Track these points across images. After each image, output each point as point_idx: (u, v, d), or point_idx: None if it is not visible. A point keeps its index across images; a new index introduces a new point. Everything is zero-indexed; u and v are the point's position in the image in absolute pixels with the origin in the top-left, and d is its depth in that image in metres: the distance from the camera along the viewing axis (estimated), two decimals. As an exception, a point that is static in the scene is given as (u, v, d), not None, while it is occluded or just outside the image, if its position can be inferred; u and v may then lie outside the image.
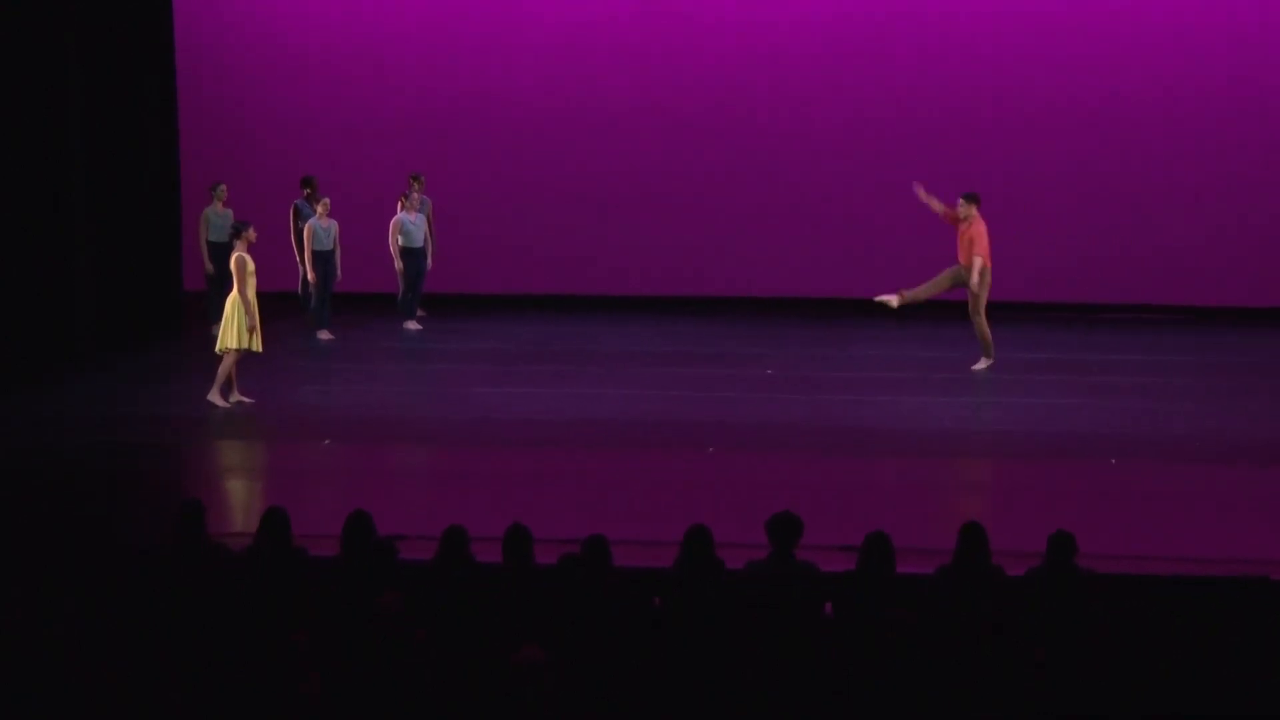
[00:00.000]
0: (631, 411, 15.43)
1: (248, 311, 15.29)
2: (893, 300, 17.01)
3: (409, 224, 19.41)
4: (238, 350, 15.37)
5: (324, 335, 18.92)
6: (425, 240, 19.57)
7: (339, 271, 19.07)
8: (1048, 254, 20.20)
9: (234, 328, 15.31)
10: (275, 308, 19.17)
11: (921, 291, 17.04)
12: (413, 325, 19.60)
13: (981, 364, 16.95)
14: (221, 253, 17.90)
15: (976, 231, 16.81)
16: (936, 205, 17.01)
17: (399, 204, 19.52)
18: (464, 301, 20.73)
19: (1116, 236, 20.18)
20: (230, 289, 15.46)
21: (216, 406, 15.45)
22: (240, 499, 13.42)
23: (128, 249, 18.76)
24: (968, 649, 8.26)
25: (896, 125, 20.38)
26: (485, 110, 20.87)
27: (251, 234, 15.58)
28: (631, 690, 7.83)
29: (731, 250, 20.69)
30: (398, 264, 19.44)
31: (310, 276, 18.97)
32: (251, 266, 15.39)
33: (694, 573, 9.22)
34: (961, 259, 16.93)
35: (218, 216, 19.10)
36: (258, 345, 15.45)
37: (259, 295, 15.56)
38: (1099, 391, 16.17)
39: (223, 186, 19.38)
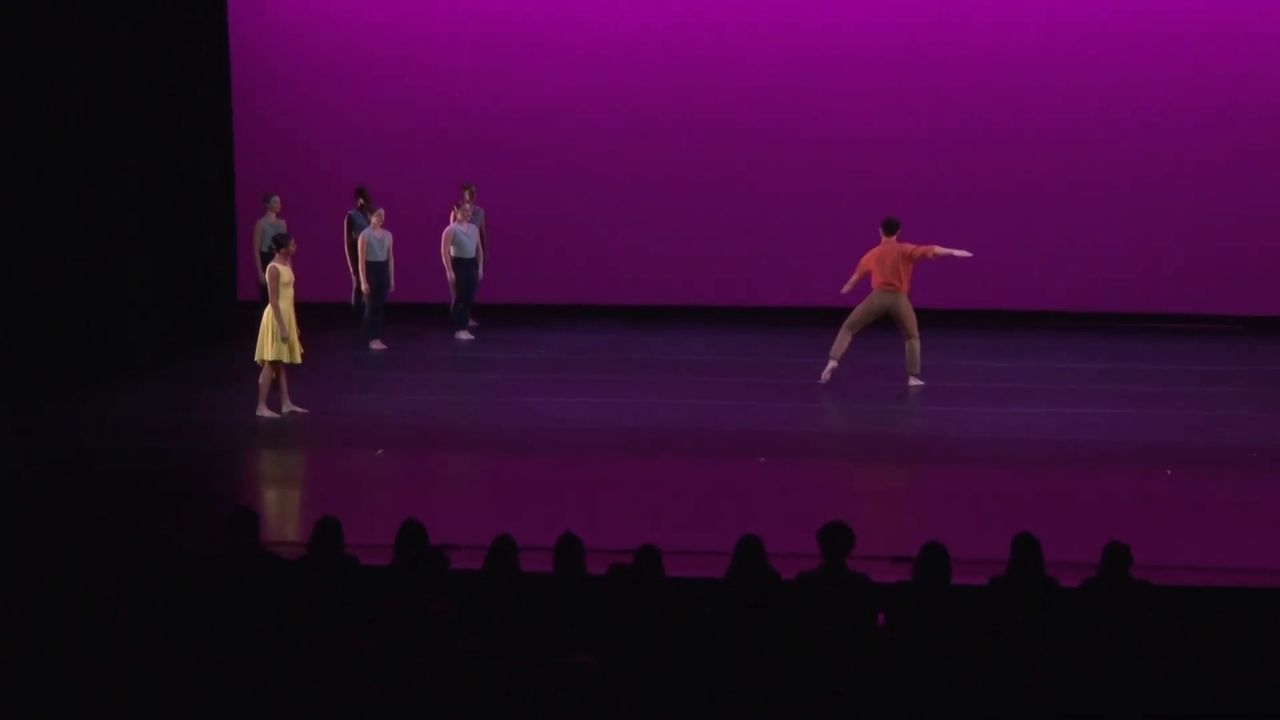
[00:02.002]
0: (682, 421, 15.42)
1: (280, 323, 15.35)
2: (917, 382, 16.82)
3: (461, 234, 19.43)
4: (273, 362, 15.43)
5: (377, 345, 18.95)
6: (477, 250, 19.58)
7: (392, 282, 19.12)
8: (1101, 264, 20.09)
9: (270, 339, 15.38)
10: (328, 318, 19.30)
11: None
12: (465, 335, 19.61)
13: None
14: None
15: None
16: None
17: (451, 214, 19.55)
18: (516, 311, 20.72)
19: (1172, 247, 20.04)
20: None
21: (265, 418, 15.51)
22: (292, 508, 13.47)
23: (183, 259, 18.84)
24: (1021, 660, 8.20)
25: (945, 138, 20.31)
26: (537, 120, 20.87)
27: (292, 246, 15.71)
28: (683, 701, 7.79)
29: (782, 260, 20.63)
30: (450, 274, 19.44)
31: (364, 287, 19.00)
32: (286, 278, 15.45)
33: (746, 583, 9.19)
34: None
35: (271, 227, 19.12)
36: (290, 356, 15.47)
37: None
38: (1153, 401, 16.08)
39: (276, 198, 19.41)
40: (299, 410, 15.68)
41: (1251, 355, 18.44)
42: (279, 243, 15.88)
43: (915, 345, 16.67)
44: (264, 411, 15.53)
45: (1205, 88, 19.88)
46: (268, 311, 15.46)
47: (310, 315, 17.96)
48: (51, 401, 16.08)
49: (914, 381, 16.70)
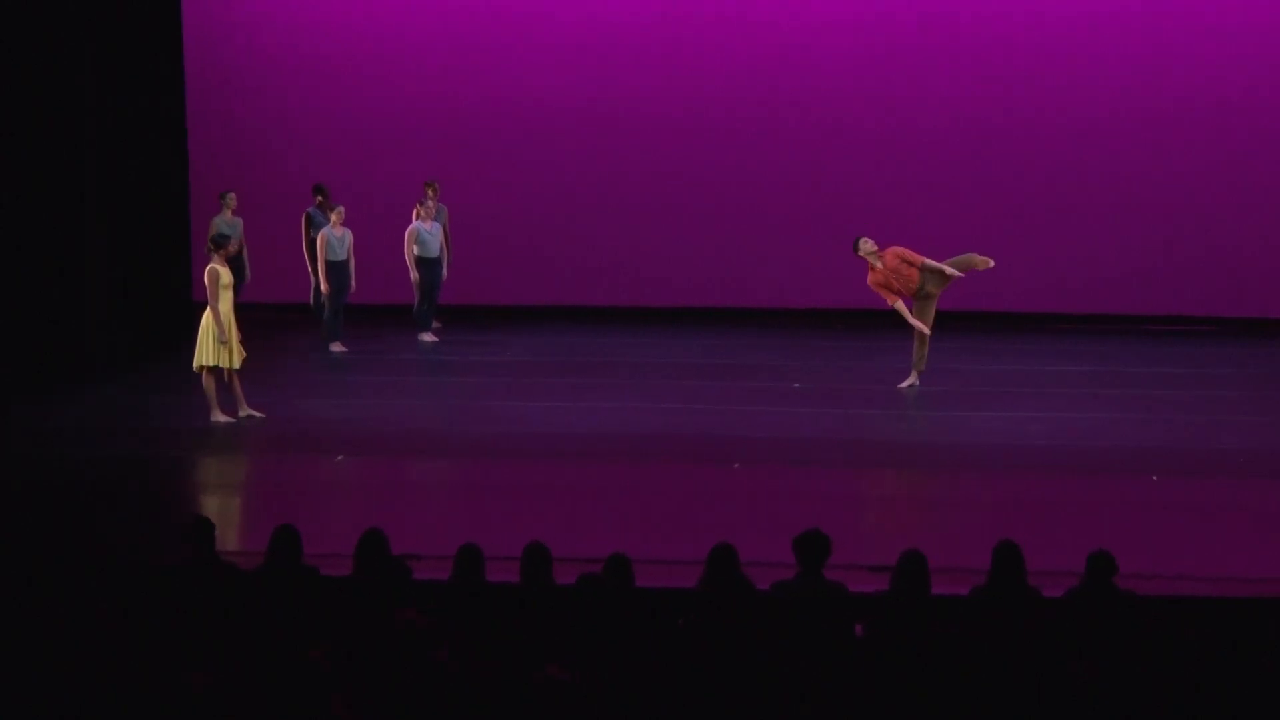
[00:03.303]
0: (653, 426, 15.30)
1: (219, 326, 15.09)
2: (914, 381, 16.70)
3: (424, 233, 19.25)
4: (212, 368, 15.18)
5: (337, 347, 18.76)
6: (441, 249, 19.41)
7: (353, 282, 18.90)
8: (1090, 265, 20.12)
9: (208, 344, 15.15)
10: (287, 319, 19.16)
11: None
12: (429, 337, 19.45)
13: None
14: (229, 263, 17.71)
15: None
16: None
17: (414, 212, 19.36)
18: (481, 312, 20.60)
19: (1161, 247, 20.04)
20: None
21: (220, 424, 15.25)
22: (249, 516, 13.31)
23: (138, 259, 18.63)
24: (1003, 673, 8.05)
25: (932, 136, 20.28)
26: (503, 117, 20.75)
27: (232, 247, 15.66)
28: (655, 714, 7.67)
29: (757, 261, 20.57)
30: (413, 274, 19.28)
31: (323, 287, 18.81)
32: (226, 280, 15.26)
33: (719, 593, 9.07)
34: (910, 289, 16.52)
35: (227, 225, 18.88)
36: (228, 361, 15.23)
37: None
38: (1142, 405, 16.04)
39: (232, 195, 19.23)
40: (256, 414, 15.48)
41: (1243, 358, 18.43)
42: (217, 243, 15.66)
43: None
44: (218, 417, 15.31)
45: (1198, 88, 19.90)
46: (207, 315, 15.23)
47: (268, 316, 17.85)
48: (5, 407, 15.89)
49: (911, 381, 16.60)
